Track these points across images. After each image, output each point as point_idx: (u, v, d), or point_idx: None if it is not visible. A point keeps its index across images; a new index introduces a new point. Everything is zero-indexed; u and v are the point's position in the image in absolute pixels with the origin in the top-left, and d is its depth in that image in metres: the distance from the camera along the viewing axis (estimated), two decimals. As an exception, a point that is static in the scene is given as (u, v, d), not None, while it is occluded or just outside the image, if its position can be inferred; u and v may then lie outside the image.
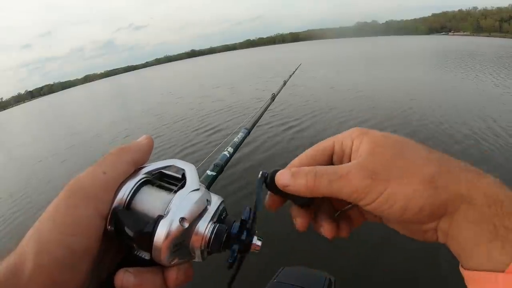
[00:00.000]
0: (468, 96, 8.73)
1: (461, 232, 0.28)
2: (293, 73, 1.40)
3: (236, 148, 0.56)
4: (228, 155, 0.53)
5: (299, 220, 0.38)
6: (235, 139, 0.59)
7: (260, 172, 0.37)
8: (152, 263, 0.31)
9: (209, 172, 0.47)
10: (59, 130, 15.13)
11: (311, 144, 0.38)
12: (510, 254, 0.25)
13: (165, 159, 0.36)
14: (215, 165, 0.48)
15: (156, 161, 0.36)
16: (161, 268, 0.31)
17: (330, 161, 0.38)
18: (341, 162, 0.36)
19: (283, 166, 0.37)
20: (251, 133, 0.67)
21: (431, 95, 8.84)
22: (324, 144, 0.38)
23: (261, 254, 0.34)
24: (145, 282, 0.30)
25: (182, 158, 0.37)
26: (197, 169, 0.36)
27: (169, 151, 6.53)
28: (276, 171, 0.36)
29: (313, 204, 0.38)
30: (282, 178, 0.35)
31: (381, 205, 0.30)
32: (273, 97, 0.97)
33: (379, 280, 2.61)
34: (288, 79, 1.23)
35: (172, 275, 0.31)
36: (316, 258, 2.73)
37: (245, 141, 0.62)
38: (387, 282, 2.58)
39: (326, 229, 0.37)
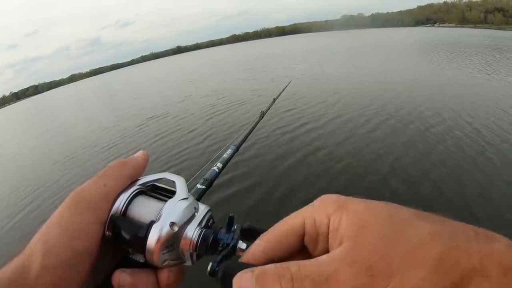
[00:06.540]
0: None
1: None
2: (282, 91, 1.38)
3: (225, 164, 0.58)
4: (218, 170, 0.55)
5: None
6: (224, 155, 0.61)
7: (210, 265, 0.31)
8: (146, 266, 0.34)
9: (199, 186, 0.49)
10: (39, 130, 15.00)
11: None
12: None
13: (157, 173, 0.39)
14: (205, 179, 0.51)
15: (150, 174, 0.39)
16: (155, 269, 0.34)
17: (301, 244, 0.31)
18: (316, 245, 0.30)
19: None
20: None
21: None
22: (291, 222, 0.31)
23: None
24: (139, 281, 0.33)
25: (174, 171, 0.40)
26: (188, 184, 0.38)
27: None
28: (232, 267, 0.29)
29: None
30: (244, 285, 0.27)
31: None
32: (262, 115, 0.97)
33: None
34: (278, 97, 1.21)
35: (164, 276, 0.34)
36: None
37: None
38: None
39: None
